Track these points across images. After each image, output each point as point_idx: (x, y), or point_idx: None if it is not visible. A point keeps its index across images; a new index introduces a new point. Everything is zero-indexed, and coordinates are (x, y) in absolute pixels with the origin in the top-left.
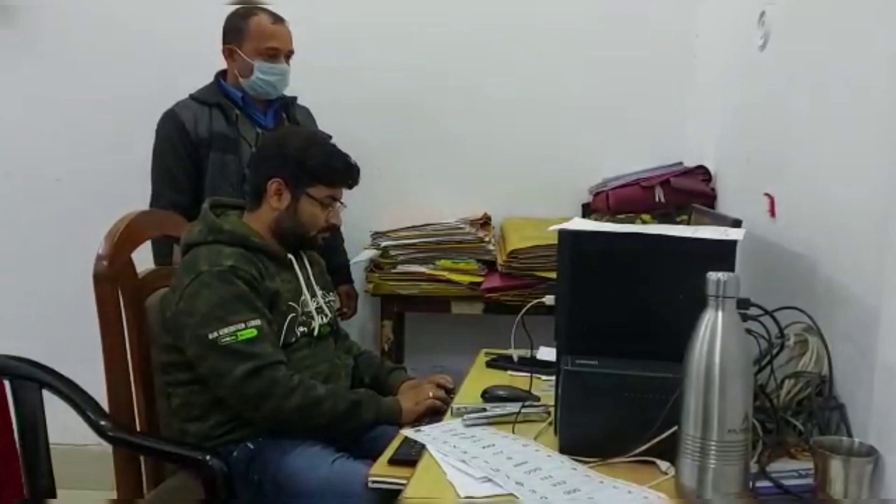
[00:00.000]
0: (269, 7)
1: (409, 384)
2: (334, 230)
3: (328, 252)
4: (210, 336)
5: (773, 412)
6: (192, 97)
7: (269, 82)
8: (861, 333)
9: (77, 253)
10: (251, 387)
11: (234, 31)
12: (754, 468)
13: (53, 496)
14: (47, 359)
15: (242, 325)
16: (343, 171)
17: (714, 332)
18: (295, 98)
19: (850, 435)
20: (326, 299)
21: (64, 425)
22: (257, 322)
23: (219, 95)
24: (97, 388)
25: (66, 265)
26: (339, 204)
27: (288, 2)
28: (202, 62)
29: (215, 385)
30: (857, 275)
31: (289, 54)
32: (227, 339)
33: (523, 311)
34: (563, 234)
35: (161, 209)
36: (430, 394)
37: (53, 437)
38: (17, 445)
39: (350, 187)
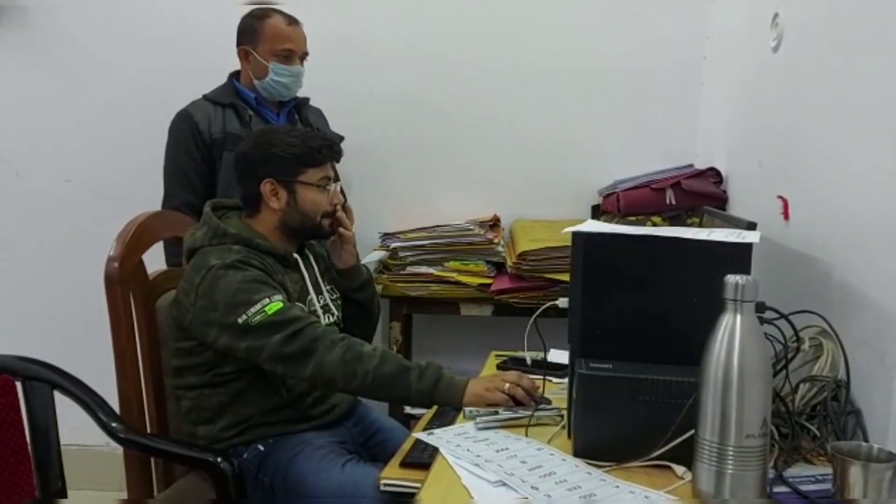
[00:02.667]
0: (284, 9)
1: (493, 372)
2: (338, 210)
3: None
4: (240, 321)
5: (788, 417)
6: (206, 98)
7: (284, 83)
8: (878, 338)
9: (89, 254)
10: (292, 346)
11: (249, 33)
12: (771, 473)
13: (64, 496)
14: (59, 360)
15: (267, 300)
16: (324, 148)
17: (732, 335)
18: (307, 99)
19: (866, 440)
20: (333, 296)
21: (76, 426)
22: (280, 296)
23: (232, 96)
24: (108, 390)
25: (77, 266)
26: (334, 185)
27: (301, 2)
28: (215, 63)
29: (256, 362)
30: (874, 279)
31: (303, 56)
32: (258, 317)
33: (536, 313)
34: (577, 237)
35: (174, 210)
36: (507, 387)
37: (65, 437)
38: (29, 446)
39: (337, 160)
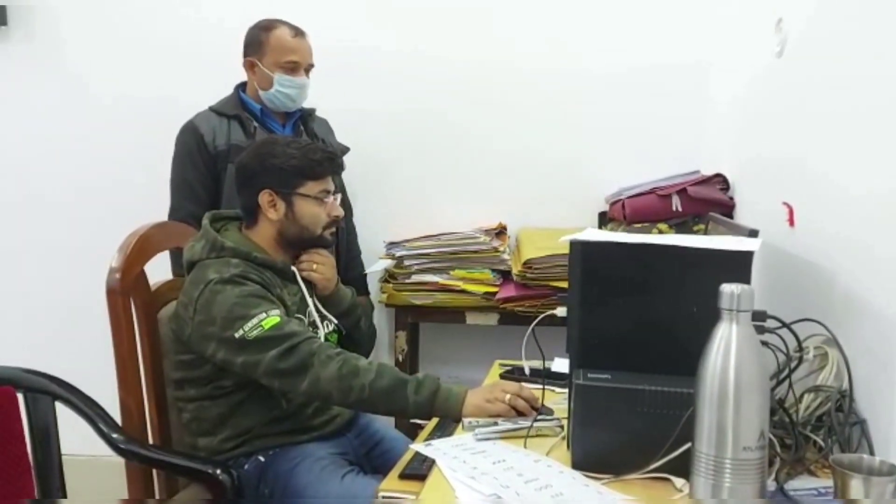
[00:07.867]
0: (290, 20)
1: (492, 382)
2: (338, 222)
3: (345, 264)
4: (236, 336)
5: (792, 427)
6: (212, 109)
7: (289, 95)
8: (882, 347)
9: (92, 265)
10: (288, 361)
11: (255, 44)
12: (772, 486)
13: None
14: (61, 371)
15: (264, 315)
16: (325, 161)
17: (728, 346)
18: (313, 110)
19: (871, 451)
20: None
21: (81, 435)
22: (278, 311)
23: (238, 107)
24: (111, 401)
25: (80, 277)
26: (333, 196)
27: (307, 13)
28: (222, 74)
29: (252, 377)
30: (878, 287)
31: (308, 68)
32: (255, 332)
33: (534, 323)
34: (575, 245)
35: (180, 221)
36: (507, 398)
37: (71, 447)
38: (31, 457)
39: (338, 174)
